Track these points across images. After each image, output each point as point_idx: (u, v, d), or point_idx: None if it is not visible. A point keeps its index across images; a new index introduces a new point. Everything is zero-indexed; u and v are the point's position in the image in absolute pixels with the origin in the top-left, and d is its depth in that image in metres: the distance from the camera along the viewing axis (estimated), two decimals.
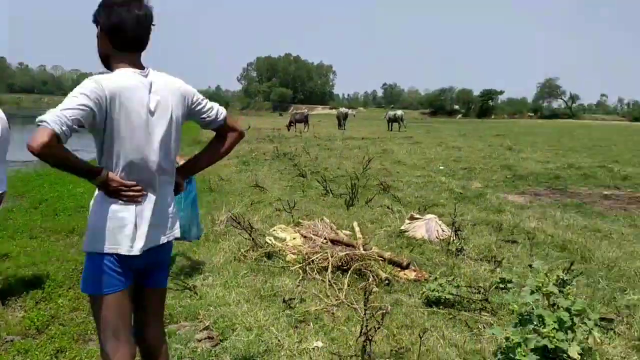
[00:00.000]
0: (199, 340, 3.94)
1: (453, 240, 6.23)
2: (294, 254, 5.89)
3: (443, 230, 6.71)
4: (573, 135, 31.78)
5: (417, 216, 6.89)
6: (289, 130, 33.99)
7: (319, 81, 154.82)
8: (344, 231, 7.11)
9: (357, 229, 7.01)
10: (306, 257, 5.60)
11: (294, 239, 6.59)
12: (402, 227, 6.85)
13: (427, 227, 6.68)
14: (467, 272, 5.40)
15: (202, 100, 2.67)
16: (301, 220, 7.56)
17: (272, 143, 24.51)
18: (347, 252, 5.44)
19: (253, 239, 6.16)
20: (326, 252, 5.52)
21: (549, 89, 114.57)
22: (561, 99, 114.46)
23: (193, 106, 2.62)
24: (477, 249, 6.25)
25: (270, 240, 6.29)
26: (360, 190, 10.65)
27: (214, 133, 2.82)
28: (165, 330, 4.14)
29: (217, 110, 2.70)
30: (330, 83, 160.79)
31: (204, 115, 2.67)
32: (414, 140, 25.08)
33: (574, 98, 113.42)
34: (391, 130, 36.66)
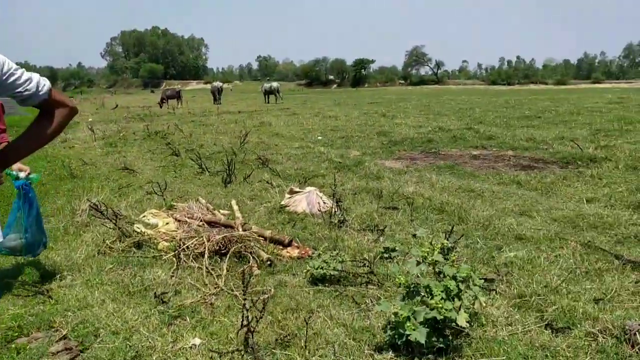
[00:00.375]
0: (54, 354, 3.38)
1: (335, 212, 6.04)
2: (166, 241, 5.39)
3: (324, 202, 6.52)
4: (440, 100, 33.35)
5: (297, 190, 6.63)
6: (160, 107, 32.38)
7: (191, 55, 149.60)
8: (221, 211, 6.69)
9: (235, 207, 6.62)
10: (180, 243, 5.12)
11: (167, 224, 6.07)
12: (283, 202, 6.57)
13: (308, 200, 6.45)
14: (351, 244, 5.23)
15: (16, 70, 2.12)
16: (174, 203, 7.01)
17: (142, 122, 23.14)
18: (225, 234, 5.03)
19: (119, 228, 5.55)
20: (202, 236, 5.09)
21: (417, 57, 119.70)
22: (428, 65, 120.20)
23: (4, 78, 2.07)
24: (360, 219, 6.12)
25: (139, 227, 5.70)
26: (238, 166, 10.23)
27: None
28: (14, 345, 3.55)
29: (37, 83, 2.17)
30: (203, 57, 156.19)
31: (20, 89, 2.13)
32: (291, 112, 24.90)
33: (439, 65, 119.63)
34: (268, 102, 36.26)
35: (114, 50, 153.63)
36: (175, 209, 6.70)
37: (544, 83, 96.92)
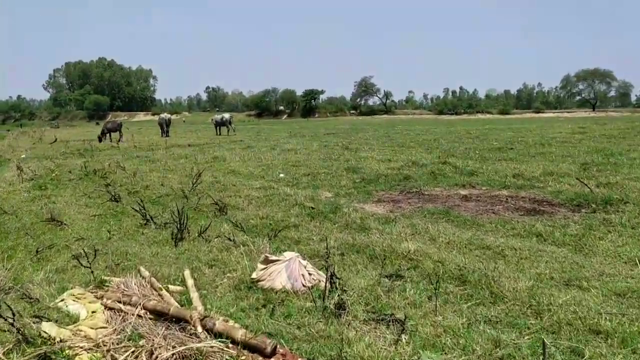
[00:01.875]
0: None
1: (328, 290, 4.45)
2: (87, 351, 3.65)
3: (310, 273, 4.92)
4: (397, 130, 32.43)
5: (273, 258, 5.00)
6: (100, 141, 30.14)
7: (138, 87, 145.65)
8: (171, 288, 4.99)
9: (189, 282, 4.94)
10: (108, 356, 3.41)
11: (93, 314, 4.33)
12: (255, 276, 4.92)
13: (289, 272, 4.83)
14: (361, 350, 3.63)
15: None
16: (107, 277, 5.26)
17: (82, 157, 21.01)
18: (176, 347, 3.36)
19: (18, 330, 3.78)
20: (140, 347, 3.39)
21: (365, 87, 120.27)
22: (377, 96, 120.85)
23: None
24: (362, 300, 4.55)
25: (47, 330, 3.93)
26: (191, 214, 8.55)
27: None
28: None
29: None
30: (152, 88, 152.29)
31: None
32: (246, 144, 23.25)
33: (387, 95, 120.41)
34: (219, 134, 34.50)
35: (57, 82, 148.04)
36: (108, 286, 4.96)
37: (489, 112, 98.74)
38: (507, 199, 8.90)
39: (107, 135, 31.43)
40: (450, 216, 7.77)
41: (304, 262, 4.97)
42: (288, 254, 5.10)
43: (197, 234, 7.07)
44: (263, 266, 4.88)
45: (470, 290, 4.74)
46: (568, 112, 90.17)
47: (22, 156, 24.01)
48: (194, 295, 4.68)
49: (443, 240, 6.40)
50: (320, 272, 4.95)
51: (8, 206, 10.36)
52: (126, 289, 4.76)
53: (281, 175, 12.81)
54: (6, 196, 11.97)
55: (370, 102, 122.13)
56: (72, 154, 22.74)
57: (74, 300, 4.69)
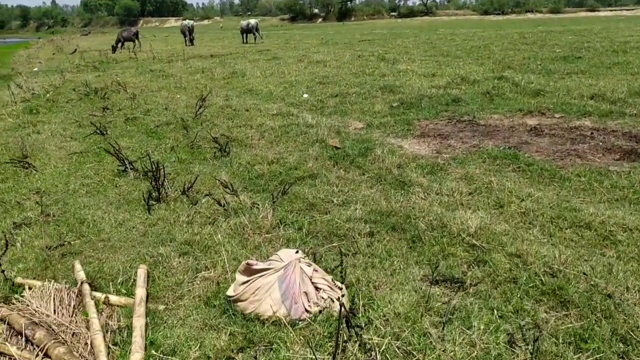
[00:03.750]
0: None
1: (347, 320, 2.70)
2: None
3: (318, 288, 3.15)
4: (440, 35, 29.34)
5: (259, 266, 3.17)
6: (114, 51, 28.35)
7: None
8: (113, 299, 3.34)
9: (139, 294, 3.27)
10: None
11: None
12: (231, 293, 3.16)
13: (285, 288, 3.07)
14: None
15: None
16: (22, 280, 3.63)
17: (95, 71, 19.32)
18: None
19: None
20: None
21: None
22: None
23: None
24: (399, 345, 2.78)
25: None
26: (185, 155, 6.83)
27: None
28: None
29: None
30: None
31: None
32: (272, 55, 20.99)
33: None
34: (246, 42, 32.11)
35: None
36: (18, 300, 3.31)
37: (539, 11, 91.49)
38: (592, 133, 6.81)
39: (122, 45, 29.55)
40: (520, 162, 5.79)
41: (309, 269, 3.18)
42: (283, 252, 3.30)
43: (181, 191, 5.34)
44: (245, 278, 3.12)
45: (579, 323, 2.91)
46: (627, 9, 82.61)
47: (35, 69, 22.48)
48: (138, 324, 3.00)
49: (516, 209, 4.50)
50: (337, 283, 3.18)
51: None
52: (37, 309, 3.11)
53: (305, 96, 10.83)
54: None
55: (410, 2, 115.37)
56: (86, 67, 21.04)
57: None
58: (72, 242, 4.37)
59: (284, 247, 4.00)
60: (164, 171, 5.37)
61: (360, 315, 2.99)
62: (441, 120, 8.14)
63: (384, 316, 3.02)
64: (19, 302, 3.27)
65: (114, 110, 10.64)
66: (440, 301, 3.16)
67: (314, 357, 2.61)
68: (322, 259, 3.80)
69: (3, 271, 3.56)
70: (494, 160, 5.93)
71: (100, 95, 12.41)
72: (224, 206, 4.75)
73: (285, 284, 3.05)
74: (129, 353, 2.78)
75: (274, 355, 2.74)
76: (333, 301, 3.04)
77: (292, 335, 2.86)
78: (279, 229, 4.38)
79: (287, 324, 2.94)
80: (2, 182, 6.43)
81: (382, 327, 2.90)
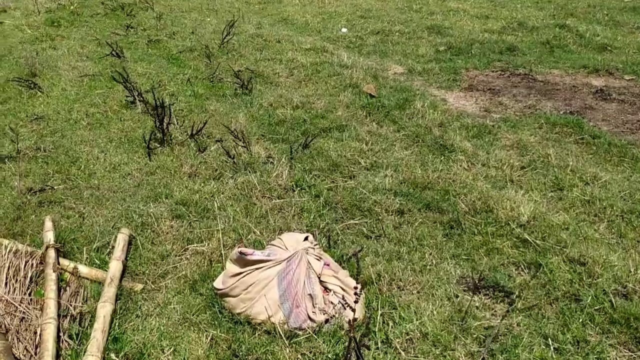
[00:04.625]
0: None
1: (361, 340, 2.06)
2: None
3: (327, 289, 2.51)
4: None
5: (256, 256, 2.49)
6: None
7: None
8: (83, 271, 2.78)
9: (113, 267, 2.70)
10: None
11: None
12: (219, 285, 2.54)
13: (285, 286, 2.44)
14: None
15: None
16: None
17: None
18: None
19: None
20: None
21: None
22: None
23: None
24: None
25: None
26: (202, 90, 6.15)
27: None
28: None
29: None
30: None
31: None
32: None
33: None
34: None
35: None
36: None
37: None
38: None
39: None
40: (583, 132, 4.94)
41: (318, 264, 2.53)
42: (291, 241, 2.64)
43: (189, 134, 4.69)
44: (236, 269, 2.49)
45: None
46: None
47: None
48: (102, 312, 2.43)
49: (579, 195, 3.74)
50: (352, 283, 2.53)
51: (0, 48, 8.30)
52: None
53: (343, 30, 9.88)
54: (9, 32, 9.86)
55: None
56: None
57: None
58: (55, 188, 3.80)
59: (296, 218, 3.36)
60: (170, 110, 4.69)
61: (376, 329, 2.36)
62: (493, 71, 7.20)
63: (407, 335, 2.39)
64: None
65: (138, 30, 9.88)
66: (481, 319, 2.50)
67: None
68: (339, 241, 3.15)
69: None
70: (552, 126, 5.09)
71: (127, 11, 11.63)
72: (233, 158, 4.09)
73: (287, 282, 2.42)
74: (82, 355, 2.22)
75: None
76: (345, 308, 2.40)
77: (287, 352, 2.26)
78: (292, 193, 3.72)
79: (282, 335, 2.33)
80: (2, 103, 5.87)
81: (402, 352, 2.27)
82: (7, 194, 3.73)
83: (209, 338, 2.36)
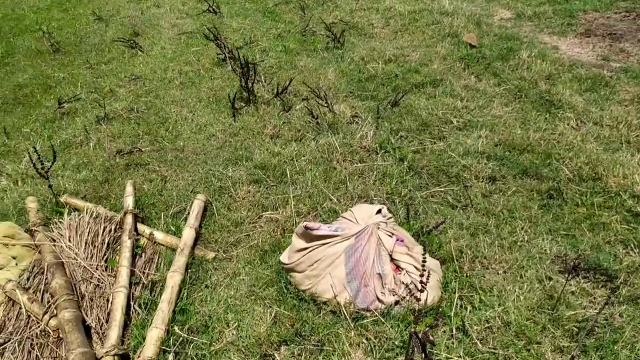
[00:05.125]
0: None
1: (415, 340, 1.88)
2: None
3: (399, 267, 2.31)
4: None
5: (321, 231, 2.33)
6: None
7: None
8: (159, 237, 2.79)
9: (185, 237, 2.70)
10: None
11: None
12: (285, 260, 2.43)
13: (353, 264, 2.27)
14: None
15: None
16: (70, 199, 3.19)
17: None
18: None
19: None
20: None
21: None
22: None
23: None
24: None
25: None
26: (294, 44, 6.00)
27: None
28: None
29: None
30: None
31: None
32: None
33: None
34: None
35: None
36: (53, 231, 2.87)
37: None
38: None
39: None
40: None
41: (389, 240, 2.32)
42: (362, 213, 2.46)
43: (275, 92, 4.57)
44: (302, 244, 2.36)
45: None
46: None
47: None
48: (171, 282, 2.42)
49: None
50: (428, 261, 2.32)
51: (107, 9, 8.61)
52: (69, 244, 2.64)
53: None
54: None
55: None
56: None
57: None
58: (142, 150, 3.86)
59: (377, 184, 3.16)
60: (254, 69, 4.58)
61: (452, 314, 2.14)
62: (616, 12, 6.36)
63: (486, 322, 2.15)
64: (56, 228, 2.83)
65: None
66: (576, 308, 2.20)
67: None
68: (420, 211, 2.92)
69: (50, 186, 3.12)
70: None
71: None
72: (316, 118, 3.92)
73: (355, 259, 2.25)
74: (148, 326, 2.22)
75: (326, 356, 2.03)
76: (419, 290, 2.20)
77: (351, 334, 2.11)
78: (375, 156, 3.50)
79: (347, 316, 2.19)
80: (106, 63, 6.10)
81: (478, 342, 2.05)
82: (100, 156, 3.85)
83: (273, 315, 2.28)
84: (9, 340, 2.25)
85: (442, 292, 2.31)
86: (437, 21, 6.33)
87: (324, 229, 2.32)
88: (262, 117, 4.23)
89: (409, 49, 5.58)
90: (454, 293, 2.29)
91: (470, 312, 2.21)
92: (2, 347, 2.25)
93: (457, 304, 2.25)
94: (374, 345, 2.08)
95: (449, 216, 2.84)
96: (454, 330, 2.13)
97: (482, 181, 3.16)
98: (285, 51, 5.85)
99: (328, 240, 2.31)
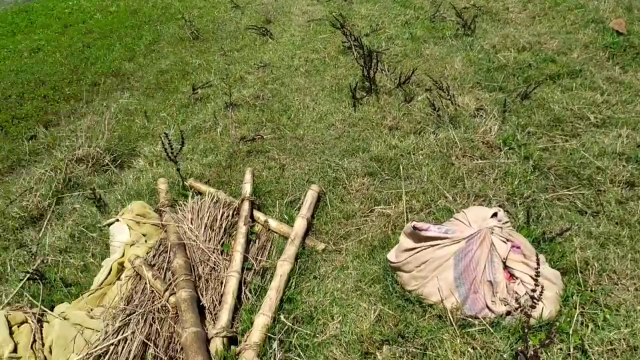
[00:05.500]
0: None
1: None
2: None
3: (514, 276, 2.17)
4: None
5: (431, 232, 2.24)
6: None
7: None
8: (273, 225, 2.88)
9: (297, 227, 2.76)
10: None
11: (120, 271, 2.60)
12: (392, 258, 2.37)
13: (462, 268, 2.17)
14: None
15: None
16: (194, 183, 3.37)
17: None
18: None
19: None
20: None
21: None
22: None
23: None
24: None
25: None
26: (422, 31, 5.86)
27: None
28: None
29: None
30: None
31: None
32: None
33: None
34: None
35: None
36: (178, 212, 3.06)
37: None
38: None
39: None
40: None
41: (504, 247, 2.18)
42: (475, 216, 2.33)
43: (397, 82, 4.48)
44: (410, 244, 2.29)
45: None
46: None
47: None
48: (280, 270, 2.48)
49: None
50: (547, 271, 2.16)
51: None
52: (190, 227, 2.81)
53: None
54: None
55: None
56: None
57: (131, 222, 2.96)
58: (264, 137, 3.98)
59: (497, 183, 2.99)
60: (377, 58, 4.52)
61: (570, 331, 1.98)
62: None
63: (610, 344, 1.95)
64: (181, 210, 3.02)
65: None
66: None
67: None
68: (543, 215, 2.72)
69: (179, 169, 3.33)
70: None
71: None
72: (437, 110, 3.79)
73: (464, 264, 2.15)
74: (256, 312, 2.29)
75: None
76: (534, 301, 2.05)
77: (457, 341, 2.03)
78: (498, 153, 3.31)
79: (453, 322, 2.10)
80: (238, 50, 6.36)
81: None
82: (225, 142, 4.03)
83: (376, 313, 2.24)
84: (134, 312, 2.44)
85: (560, 306, 2.13)
86: (581, 5, 5.82)
87: (433, 230, 2.24)
88: (382, 108, 4.17)
89: (547, 35, 5.19)
90: (575, 308, 2.10)
91: (591, 330, 2.02)
92: (128, 318, 2.44)
93: (577, 320, 2.06)
94: (480, 356, 1.97)
95: (577, 223, 2.61)
96: (571, 349, 1.96)
97: (618, 186, 2.87)
98: (412, 38, 5.72)
99: (437, 242, 2.23)
